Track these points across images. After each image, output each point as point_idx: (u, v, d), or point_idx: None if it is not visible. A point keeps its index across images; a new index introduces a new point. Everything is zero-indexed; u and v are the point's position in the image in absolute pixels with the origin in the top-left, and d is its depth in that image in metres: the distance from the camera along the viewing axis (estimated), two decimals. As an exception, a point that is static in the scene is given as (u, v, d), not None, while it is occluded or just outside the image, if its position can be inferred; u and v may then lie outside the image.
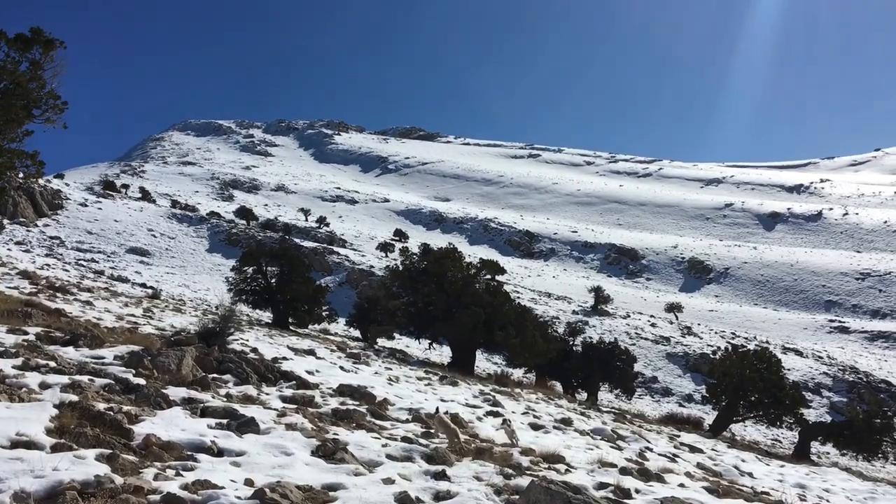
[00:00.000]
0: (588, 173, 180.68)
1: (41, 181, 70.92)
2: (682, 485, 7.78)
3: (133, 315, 16.40)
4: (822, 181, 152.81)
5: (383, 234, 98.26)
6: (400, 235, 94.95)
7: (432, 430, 7.99)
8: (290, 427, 6.80)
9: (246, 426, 6.38)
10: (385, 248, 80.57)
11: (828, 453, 29.73)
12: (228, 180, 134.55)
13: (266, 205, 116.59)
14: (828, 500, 9.75)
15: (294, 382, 9.94)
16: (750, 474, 10.50)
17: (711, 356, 43.08)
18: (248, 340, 13.96)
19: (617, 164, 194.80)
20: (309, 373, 11.33)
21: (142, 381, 7.38)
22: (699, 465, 10.00)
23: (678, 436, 14.42)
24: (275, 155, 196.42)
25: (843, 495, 10.60)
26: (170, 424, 6.05)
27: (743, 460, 12.14)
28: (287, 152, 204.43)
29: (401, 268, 28.60)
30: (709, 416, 41.25)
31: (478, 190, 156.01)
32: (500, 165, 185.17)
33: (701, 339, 58.12)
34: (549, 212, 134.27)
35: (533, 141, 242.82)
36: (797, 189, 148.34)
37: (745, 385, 24.17)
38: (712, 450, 12.89)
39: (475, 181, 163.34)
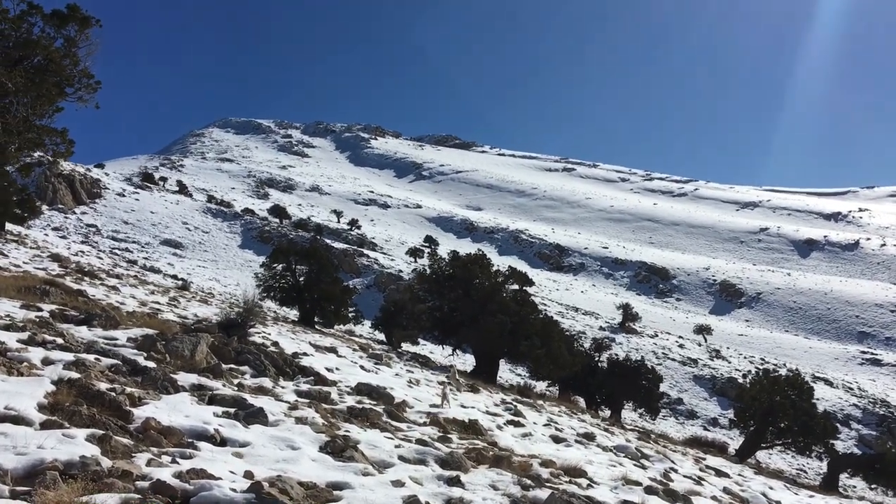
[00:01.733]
0: (622, 190, 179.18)
1: (80, 169, 72.26)
2: (708, 509, 7.43)
3: (157, 302, 16.37)
4: (860, 210, 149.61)
5: (414, 239, 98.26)
6: (430, 242, 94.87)
7: (450, 435, 7.68)
8: (300, 421, 6.51)
9: (253, 416, 6.09)
10: (414, 253, 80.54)
11: (854, 486, 28.84)
12: (264, 178, 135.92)
13: (300, 204, 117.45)
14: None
15: (312, 378, 9.69)
16: (778, 503, 10.06)
17: (742, 380, 42.04)
18: (269, 334, 13.80)
19: (652, 182, 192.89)
20: (328, 370, 11.09)
21: (151, 364, 7.13)
22: (726, 490, 9.57)
23: (703, 458, 13.93)
24: (311, 156, 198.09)
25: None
26: (174, 410, 5.77)
27: (771, 488, 11.64)
28: (323, 154, 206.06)
29: (428, 272, 28.37)
30: (734, 441, 40.39)
31: (510, 201, 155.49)
32: (534, 177, 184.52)
33: (729, 363, 57.03)
34: (581, 226, 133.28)
35: (568, 155, 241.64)
36: (835, 217, 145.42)
37: (774, 411, 23.40)
38: (739, 475, 12.41)
39: (508, 192, 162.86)
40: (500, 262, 76.14)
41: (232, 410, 6.19)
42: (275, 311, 38.83)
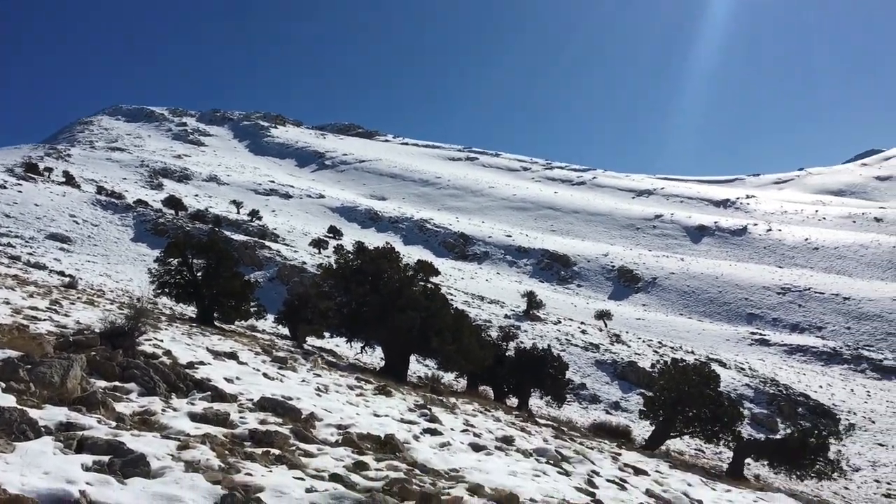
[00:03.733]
0: (524, 179, 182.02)
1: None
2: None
3: (35, 308, 14.81)
4: (748, 197, 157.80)
5: (317, 230, 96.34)
6: (334, 232, 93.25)
7: (366, 457, 6.96)
8: (190, 466, 5.48)
9: (133, 466, 5.03)
10: (318, 244, 78.89)
11: (758, 473, 30.06)
12: (158, 168, 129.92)
13: (196, 195, 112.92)
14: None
15: (209, 393, 8.73)
16: (700, 502, 9.99)
17: (643, 365, 43.26)
18: (162, 341, 12.59)
19: (552, 171, 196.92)
20: (228, 380, 10.13)
21: (9, 401, 5.80)
22: (648, 493, 9.39)
23: (619, 454, 13.87)
24: (208, 145, 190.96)
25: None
26: (29, 465, 4.63)
27: (689, 484, 11.64)
28: (221, 143, 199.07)
29: (334, 266, 27.39)
30: (635, 423, 41.51)
31: (414, 190, 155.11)
32: (438, 167, 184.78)
33: (629, 347, 58.62)
34: (485, 215, 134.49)
35: (471, 144, 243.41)
36: (724, 204, 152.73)
37: (684, 400, 23.91)
38: (656, 471, 12.37)
39: (412, 181, 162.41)
40: (406, 252, 75.65)
41: (106, 459, 5.10)
42: (171, 309, 36.93)
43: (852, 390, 58.30)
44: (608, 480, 9.35)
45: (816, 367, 66.20)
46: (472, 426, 11.72)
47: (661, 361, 29.46)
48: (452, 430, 10.74)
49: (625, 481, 9.67)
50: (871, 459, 41.64)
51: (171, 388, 8.34)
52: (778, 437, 28.28)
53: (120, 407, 6.95)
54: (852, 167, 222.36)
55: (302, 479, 5.77)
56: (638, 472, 11.26)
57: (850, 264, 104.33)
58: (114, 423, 6.25)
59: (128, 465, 5.03)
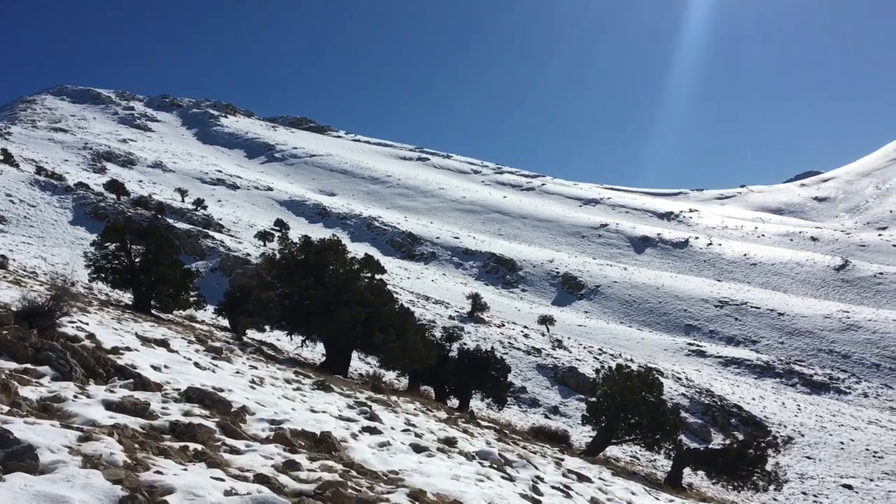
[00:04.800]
0: (474, 181, 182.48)
1: None
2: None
3: (-50, 285, 13.81)
4: (690, 211, 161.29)
5: (264, 222, 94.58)
6: (281, 226, 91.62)
7: (298, 456, 6.40)
8: (89, 461, 4.69)
9: (16, 459, 4.24)
10: (264, 236, 77.33)
11: (691, 484, 30.34)
12: (102, 152, 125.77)
13: (141, 181, 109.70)
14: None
15: (131, 381, 8.03)
16: (644, 511, 9.79)
17: (591, 376, 43.43)
18: (87, 324, 11.76)
19: (503, 175, 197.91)
20: (155, 368, 9.44)
21: None
22: (594, 501, 9.13)
23: (562, 459, 13.62)
24: (155, 130, 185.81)
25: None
26: None
27: (633, 493, 11.43)
28: (168, 129, 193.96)
29: (278, 256, 26.60)
30: (573, 428, 41.70)
31: (364, 187, 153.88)
32: (389, 165, 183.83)
33: (570, 352, 59.01)
34: (434, 216, 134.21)
35: (423, 144, 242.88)
36: (668, 216, 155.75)
37: (627, 407, 23.81)
38: (600, 479, 12.14)
39: (362, 178, 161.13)
40: (353, 249, 74.70)
41: (-12, 449, 4.29)
42: (106, 294, 35.59)
43: (783, 403, 59.78)
44: (553, 487, 9.03)
45: (750, 380, 67.76)
46: (413, 426, 11.26)
47: (605, 367, 29.41)
48: (393, 429, 10.27)
49: (569, 488, 9.37)
50: (799, 472, 42.66)
51: (90, 373, 7.66)
52: (717, 447, 28.54)
53: (26, 391, 6.24)
54: (792, 187, 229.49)
55: (221, 479, 5.13)
56: (581, 478, 11.00)
57: (786, 281, 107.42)
58: (5, 409, 5.52)
59: (11, 457, 4.29)
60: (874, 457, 46.81)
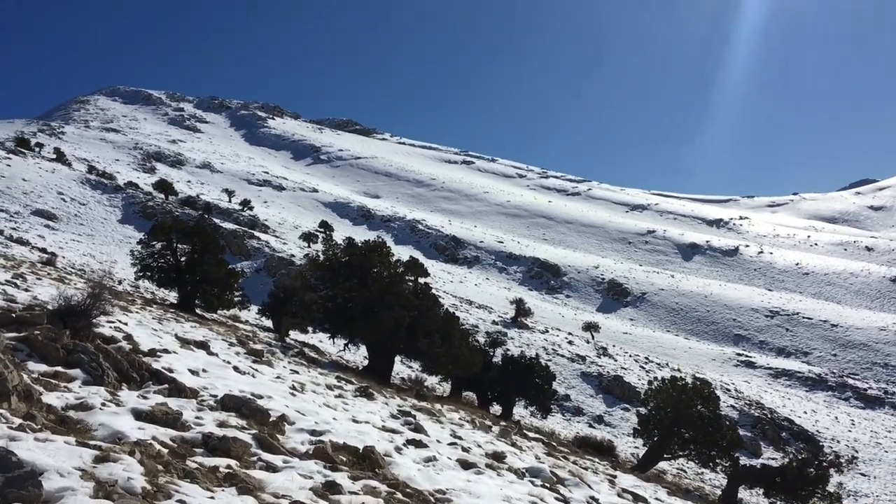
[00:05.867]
0: (519, 186, 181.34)
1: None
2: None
3: (-6, 281, 13.74)
4: (741, 218, 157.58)
5: (308, 223, 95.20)
6: (325, 227, 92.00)
7: (338, 475, 5.93)
8: (102, 488, 4.06)
9: (17, 486, 3.62)
10: (308, 238, 77.72)
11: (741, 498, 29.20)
12: (152, 152, 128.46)
13: (189, 181, 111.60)
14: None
15: (166, 387, 7.66)
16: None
17: (647, 386, 42.42)
18: (125, 324, 11.50)
19: (548, 179, 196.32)
20: (193, 372, 9.07)
21: None
22: (654, 526, 8.52)
23: (614, 476, 12.93)
24: (204, 132, 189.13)
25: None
26: None
27: (693, 516, 10.76)
28: (217, 130, 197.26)
29: (322, 258, 26.34)
30: (618, 438, 40.69)
31: (408, 190, 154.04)
32: (434, 168, 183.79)
33: (615, 360, 57.94)
34: (478, 220, 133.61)
35: (468, 148, 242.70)
36: (717, 223, 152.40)
37: (682, 421, 22.75)
38: (656, 499, 11.45)
39: (407, 181, 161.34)
40: (397, 252, 74.63)
41: (-11, 476, 3.69)
42: (152, 293, 35.90)
43: (836, 418, 57.75)
44: (610, 510, 8.45)
45: (801, 393, 65.67)
46: (459, 438, 10.72)
47: (658, 379, 28.29)
48: (439, 441, 9.75)
49: (627, 512, 8.77)
50: (853, 489, 41.03)
51: (123, 377, 7.29)
52: (774, 464, 27.29)
53: (51, 397, 5.85)
54: (846, 195, 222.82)
55: None
56: (637, 498, 10.33)
57: (840, 291, 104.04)
58: (17, 422, 4.92)
59: (11, 483, 3.65)
60: (933, 476, 44.89)
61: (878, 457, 48.60)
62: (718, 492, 29.32)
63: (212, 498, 4.61)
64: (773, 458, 43.31)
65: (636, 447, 39.98)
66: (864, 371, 74.62)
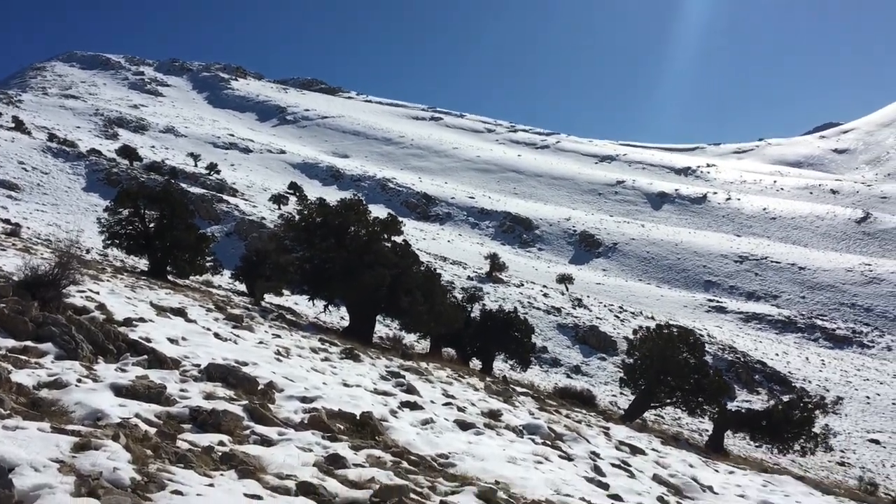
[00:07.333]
0: (488, 141, 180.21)
1: None
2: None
3: (-46, 254, 13.06)
4: (708, 166, 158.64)
5: (277, 186, 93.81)
6: (295, 189, 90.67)
7: (339, 446, 5.58)
8: (85, 482, 3.52)
9: None
10: (278, 200, 76.51)
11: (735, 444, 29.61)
12: (114, 118, 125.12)
13: (153, 147, 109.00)
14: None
15: (146, 357, 7.20)
16: (710, 488, 8.96)
17: (633, 336, 42.74)
18: (97, 293, 10.94)
19: (517, 134, 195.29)
20: (172, 341, 8.63)
21: None
22: (656, 478, 8.36)
23: (608, 428, 12.83)
24: (166, 95, 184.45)
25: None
26: None
27: (691, 465, 10.60)
28: (179, 94, 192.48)
29: (297, 218, 25.72)
30: (595, 388, 41.13)
31: (377, 148, 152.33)
32: (402, 126, 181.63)
33: (590, 311, 58.34)
34: (448, 176, 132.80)
35: (436, 104, 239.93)
36: (685, 171, 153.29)
37: (668, 369, 22.76)
38: (653, 450, 11.35)
39: (375, 139, 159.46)
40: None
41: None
42: (121, 261, 35.02)
43: (807, 358, 59.01)
44: (612, 465, 8.24)
45: (772, 335, 66.95)
46: (452, 397, 10.46)
47: (643, 328, 28.27)
48: (433, 402, 9.47)
49: (628, 465, 8.58)
50: (825, 428, 42.09)
51: (99, 350, 6.83)
52: (750, 406, 27.68)
53: (21, 375, 5.36)
54: (810, 139, 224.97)
55: (259, 496, 4.09)
56: (635, 450, 10.22)
57: (806, 235, 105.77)
58: None
59: None
60: (902, 411, 46.17)
61: (848, 394, 49.78)
62: (696, 436, 29.75)
63: (210, 485, 4.13)
64: (747, 401, 44.18)
65: (614, 395, 40.46)
66: (832, 312, 76.21)
